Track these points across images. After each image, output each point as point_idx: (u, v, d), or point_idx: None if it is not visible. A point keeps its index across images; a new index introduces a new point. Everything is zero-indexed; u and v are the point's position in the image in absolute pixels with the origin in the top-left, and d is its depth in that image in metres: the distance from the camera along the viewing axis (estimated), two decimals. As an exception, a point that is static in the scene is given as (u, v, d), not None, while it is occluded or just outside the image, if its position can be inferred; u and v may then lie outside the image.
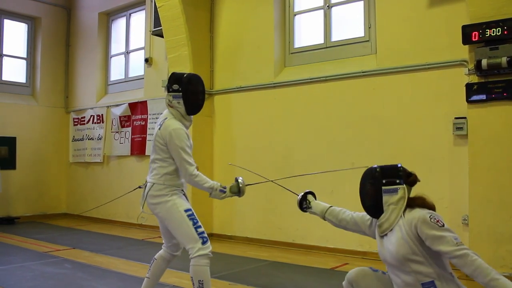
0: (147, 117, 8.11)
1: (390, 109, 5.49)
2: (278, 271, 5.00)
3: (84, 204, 9.02)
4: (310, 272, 4.89)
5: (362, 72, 5.72)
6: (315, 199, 2.99)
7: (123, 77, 9.12)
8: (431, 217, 2.28)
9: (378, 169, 2.51)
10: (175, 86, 3.17)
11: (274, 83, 6.57)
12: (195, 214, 3.12)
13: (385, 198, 2.43)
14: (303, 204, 2.97)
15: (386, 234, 2.44)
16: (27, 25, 9.60)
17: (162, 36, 7.28)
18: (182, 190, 3.21)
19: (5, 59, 9.33)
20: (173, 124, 3.12)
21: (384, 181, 2.45)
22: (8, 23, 9.34)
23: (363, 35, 5.95)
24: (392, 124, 5.46)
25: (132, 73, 8.97)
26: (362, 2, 5.97)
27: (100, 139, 9.02)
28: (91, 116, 9.29)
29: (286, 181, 3.43)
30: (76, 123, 9.63)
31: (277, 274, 4.87)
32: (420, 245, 2.29)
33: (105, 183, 8.85)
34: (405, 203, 2.40)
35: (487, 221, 4.39)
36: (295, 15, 6.70)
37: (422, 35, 5.27)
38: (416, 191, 2.50)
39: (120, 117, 8.61)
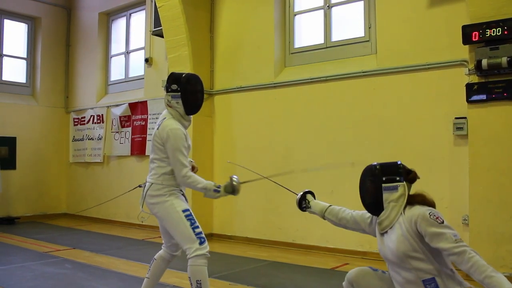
0: (147, 117, 8.11)
1: (390, 109, 5.49)
2: (278, 271, 5.00)
3: (84, 204, 8.99)
4: (310, 272, 4.88)
5: (362, 72, 5.72)
6: (314, 199, 2.98)
7: (123, 77, 9.12)
8: (430, 213, 2.28)
9: (378, 167, 2.51)
10: (174, 86, 3.15)
11: (274, 83, 6.56)
12: (193, 214, 3.11)
13: (385, 195, 2.43)
14: (302, 203, 2.97)
15: (386, 232, 2.44)
16: (27, 25, 9.60)
17: (162, 36, 7.28)
18: (181, 190, 3.20)
19: (5, 59, 9.33)
20: (171, 124, 3.10)
21: (384, 179, 2.45)
22: (8, 23, 9.34)
23: (363, 35, 5.95)
24: (392, 124, 5.45)
25: (132, 73, 8.97)
26: (362, 2, 5.97)
27: (100, 139, 9.02)
28: (91, 116, 9.29)
29: (286, 181, 3.43)
30: (76, 123, 9.63)
31: (277, 274, 4.87)
32: (420, 242, 2.29)
33: (105, 183, 8.84)
34: (405, 200, 2.41)
35: (487, 221, 4.38)
36: (295, 15, 6.70)
37: (422, 35, 5.26)
38: (416, 190, 2.49)
39: (120, 117, 8.61)
